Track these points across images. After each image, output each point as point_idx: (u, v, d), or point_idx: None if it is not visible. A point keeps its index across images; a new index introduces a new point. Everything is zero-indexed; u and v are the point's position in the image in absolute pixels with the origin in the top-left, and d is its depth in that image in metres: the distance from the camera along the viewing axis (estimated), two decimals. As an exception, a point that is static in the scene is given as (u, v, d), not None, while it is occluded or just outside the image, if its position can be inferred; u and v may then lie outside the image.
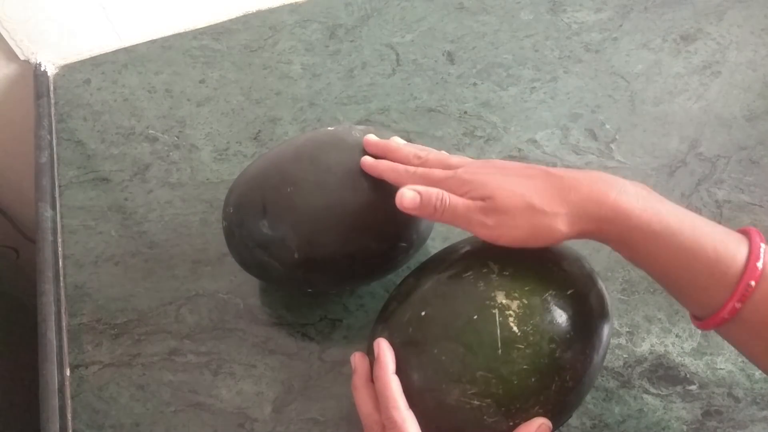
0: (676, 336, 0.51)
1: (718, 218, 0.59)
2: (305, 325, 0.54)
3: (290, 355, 0.52)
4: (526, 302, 0.38)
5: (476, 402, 0.37)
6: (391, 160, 0.45)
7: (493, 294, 0.38)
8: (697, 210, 0.59)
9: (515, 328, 0.37)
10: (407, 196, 0.41)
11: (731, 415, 0.47)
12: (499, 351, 0.37)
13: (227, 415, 0.50)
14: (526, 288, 0.38)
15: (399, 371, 0.39)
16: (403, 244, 0.47)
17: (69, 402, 0.51)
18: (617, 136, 0.66)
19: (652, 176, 0.62)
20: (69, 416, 0.50)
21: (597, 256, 0.56)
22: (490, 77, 0.72)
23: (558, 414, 0.39)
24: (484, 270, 0.39)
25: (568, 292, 0.39)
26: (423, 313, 0.39)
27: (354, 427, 0.48)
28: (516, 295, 0.38)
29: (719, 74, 0.70)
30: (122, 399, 0.51)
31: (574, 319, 0.39)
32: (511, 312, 0.37)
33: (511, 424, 0.37)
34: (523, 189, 0.38)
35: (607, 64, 0.72)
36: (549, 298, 0.38)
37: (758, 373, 0.49)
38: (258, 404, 0.50)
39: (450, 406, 0.37)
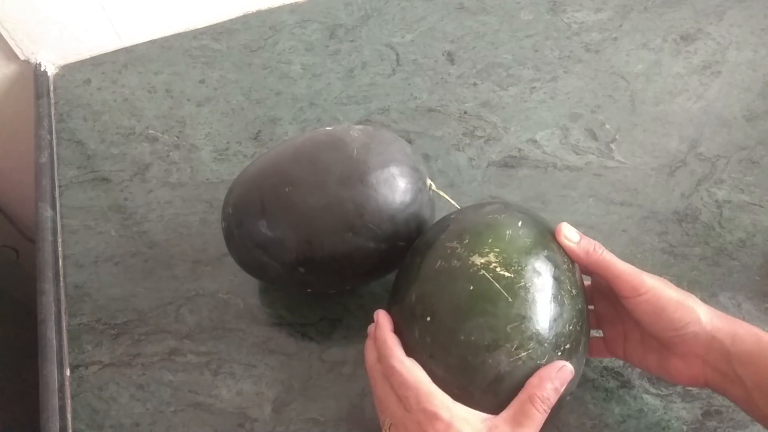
0: (676, 336, 0.51)
1: (719, 218, 0.59)
2: (305, 325, 0.54)
3: (290, 355, 0.52)
4: (498, 250, 0.41)
5: (524, 353, 0.38)
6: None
7: (470, 261, 0.40)
8: (697, 210, 0.59)
9: (506, 273, 0.40)
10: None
11: (731, 415, 0.47)
12: (509, 298, 0.39)
13: (227, 415, 0.50)
14: (489, 240, 0.41)
15: (438, 376, 0.40)
16: (402, 244, 0.47)
17: (69, 402, 0.51)
18: (617, 136, 0.66)
19: (652, 176, 0.62)
20: (69, 416, 0.50)
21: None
22: (490, 77, 0.72)
23: (581, 355, 0.42)
24: (448, 252, 0.42)
25: (519, 223, 0.43)
26: (428, 319, 0.40)
27: (354, 426, 0.48)
28: (486, 250, 0.41)
29: (719, 74, 0.70)
30: (122, 399, 0.51)
31: (538, 244, 0.42)
32: (494, 263, 0.40)
33: (559, 353, 0.39)
34: (693, 299, 0.42)
35: (607, 64, 0.72)
36: (508, 236, 0.42)
37: (758, 373, 0.49)
38: (258, 404, 0.50)
39: (507, 373, 0.38)
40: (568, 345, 0.40)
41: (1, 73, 0.77)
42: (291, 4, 0.82)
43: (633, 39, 0.75)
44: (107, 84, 0.75)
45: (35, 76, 0.76)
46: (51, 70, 0.77)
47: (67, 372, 0.53)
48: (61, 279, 0.59)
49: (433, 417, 0.37)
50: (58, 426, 0.49)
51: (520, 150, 0.65)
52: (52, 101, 0.74)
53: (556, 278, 0.41)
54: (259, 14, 0.82)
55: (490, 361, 0.38)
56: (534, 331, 0.39)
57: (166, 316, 0.55)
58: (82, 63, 0.78)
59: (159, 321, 0.55)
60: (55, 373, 0.52)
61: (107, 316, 0.56)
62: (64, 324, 0.56)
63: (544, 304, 0.39)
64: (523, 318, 0.39)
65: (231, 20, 0.81)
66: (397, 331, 0.43)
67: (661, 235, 0.58)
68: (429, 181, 0.50)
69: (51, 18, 0.72)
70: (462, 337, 0.39)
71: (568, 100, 0.69)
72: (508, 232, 0.42)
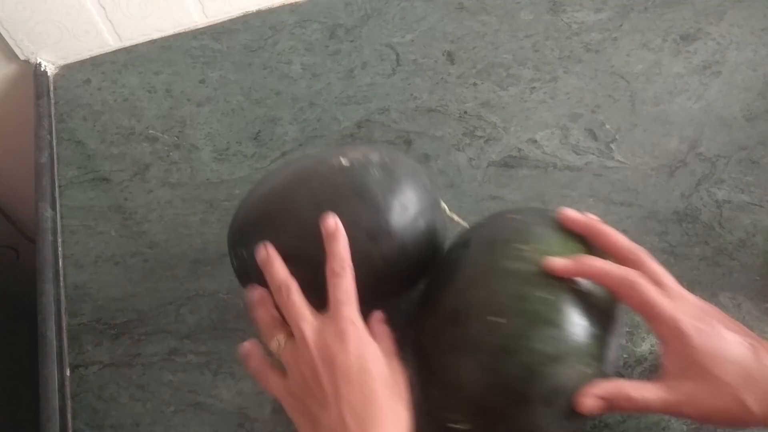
0: (676, 336, 0.51)
1: (719, 218, 0.59)
2: (305, 325, 0.54)
3: (290, 355, 0.52)
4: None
5: (585, 370, 0.39)
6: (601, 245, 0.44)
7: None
8: (697, 210, 0.59)
9: (583, 289, 0.40)
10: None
11: (731, 415, 0.47)
12: (583, 314, 0.40)
13: (227, 415, 0.50)
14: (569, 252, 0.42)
15: (496, 379, 0.39)
16: (418, 272, 0.47)
17: (69, 402, 0.51)
18: (617, 136, 0.66)
19: (652, 176, 0.62)
20: (69, 416, 0.50)
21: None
22: (490, 77, 0.72)
23: None
24: (514, 253, 0.42)
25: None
26: (489, 319, 0.39)
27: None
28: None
29: (719, 74, 0.70)
30: (122, 399, 0.51)
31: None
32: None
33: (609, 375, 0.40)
34: (738, 383, 0.36)
35: (607, 64, 0.72)
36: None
37: (758, 373, 0.49)
38: (258, 404, 0.50)
39: (566, 385, 0.38)
40: (614, 372, 0.41)
41: (1, 73, 0.77)
42: (291, 4, 0.82)
43: (633, 39, 0.75)
44: (107, 84, 0.75)
45: (35, 76, 0.76)
46: (51, 70, 0.77)
47: (67, 372, 0.53)
48: (61, 279, 0.59)
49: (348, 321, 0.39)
50: (58, 426, 0.49)
51: (520, 150, 0.65)
52: (52, 101, 0.74)
53: (619, 305, 0.42)
54: (259, 14, 0.81)
55: (552, 371, 0.38)
56: (597, 350, 0.39)
57: (166, 316, 0.55)
58: (82, 63, 0.78)
59: (159, 321, 0.55)
60: (55, 373, 0.52)
61: (107, 316, 0.56)
62: (64, 324, 0.56)
63: (612, 326, 0.40)
64: (594, 336, 0.39)
65: (231, 20, 0.81)
66: (440, 328, 0.42)
67: (661, 235, 0.58)
68: (443, 205, 0.50)
69: (51, 18, 0.72)
70: (528, 344, 0.38)
71: (568, 100, 0.69)
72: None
